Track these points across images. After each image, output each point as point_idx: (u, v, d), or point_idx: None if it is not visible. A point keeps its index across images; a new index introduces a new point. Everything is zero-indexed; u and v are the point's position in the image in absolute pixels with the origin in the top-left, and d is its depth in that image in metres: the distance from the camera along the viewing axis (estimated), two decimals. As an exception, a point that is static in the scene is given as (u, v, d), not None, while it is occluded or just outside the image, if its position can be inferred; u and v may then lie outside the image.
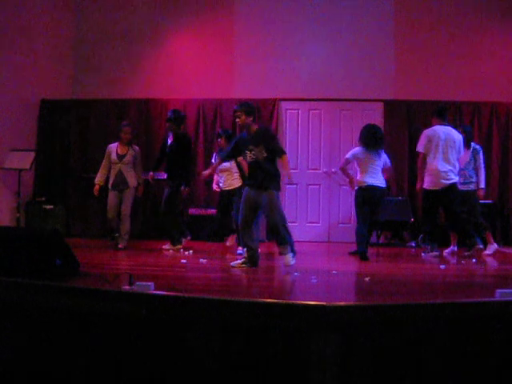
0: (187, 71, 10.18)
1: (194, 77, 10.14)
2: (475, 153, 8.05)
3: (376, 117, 9.84)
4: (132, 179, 8.28)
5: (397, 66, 9.92)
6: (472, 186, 7.99)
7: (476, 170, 8.02)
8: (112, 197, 8.21)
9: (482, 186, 8.07)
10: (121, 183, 8.24)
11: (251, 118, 6.63)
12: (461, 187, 7.73)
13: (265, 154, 6.53)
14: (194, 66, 10.20)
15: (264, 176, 6.53)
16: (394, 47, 9.95)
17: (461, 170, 7.76)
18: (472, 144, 8.12)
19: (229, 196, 8.30)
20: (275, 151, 6.63)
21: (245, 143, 6.65)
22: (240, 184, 7.98)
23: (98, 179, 8.26)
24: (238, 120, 6.66)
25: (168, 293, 3.37)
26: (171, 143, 8.22)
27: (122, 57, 10.31)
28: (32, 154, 9.30)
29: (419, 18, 9.94)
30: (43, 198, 9.74)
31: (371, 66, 9.93)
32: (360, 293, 5.55)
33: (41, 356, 3.15)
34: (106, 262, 7.01)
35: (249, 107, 6.63)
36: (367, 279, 5.75)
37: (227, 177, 8.36)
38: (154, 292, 3.48)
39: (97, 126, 10.21)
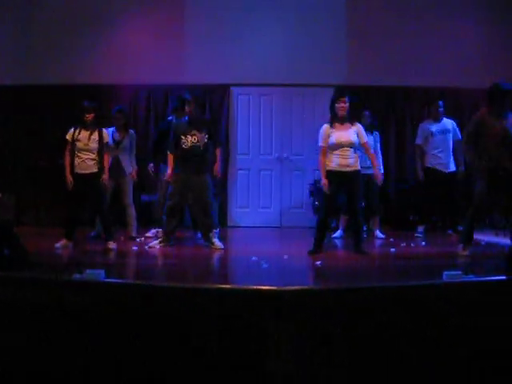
0: (137, 57, 9.97)
1: (145, 62, 9.95)
2: (377, 138, 8.48)
3: (327, 102, 9.82)
4: (128, 167, 7.89)
5: (348, 51, 9.90)
6: (371, 171, 7.97)
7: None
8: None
9: (382, 170, 8.36)
10: (117, 171, 7.74)
11: None
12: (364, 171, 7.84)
13: None
14: (144, 52, 10.00)
15: None
16: (345, 32, 9.92)
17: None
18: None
19: None
20: None
21: None
22: None
23: None
24: None
25: (119, 280, 3.34)
26: None
27: (71, 42, 9.99)
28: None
29: (371, 2, 9.96)
30: (-10, 187, 9.51)
31: (322, 51, 9.89)
32: (312, 277, 5.61)
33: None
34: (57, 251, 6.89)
35: None
36: (318, 263, 5.82)
37: None
38: (105, 280, 3.45)
39: (46, 112, 9.94)
